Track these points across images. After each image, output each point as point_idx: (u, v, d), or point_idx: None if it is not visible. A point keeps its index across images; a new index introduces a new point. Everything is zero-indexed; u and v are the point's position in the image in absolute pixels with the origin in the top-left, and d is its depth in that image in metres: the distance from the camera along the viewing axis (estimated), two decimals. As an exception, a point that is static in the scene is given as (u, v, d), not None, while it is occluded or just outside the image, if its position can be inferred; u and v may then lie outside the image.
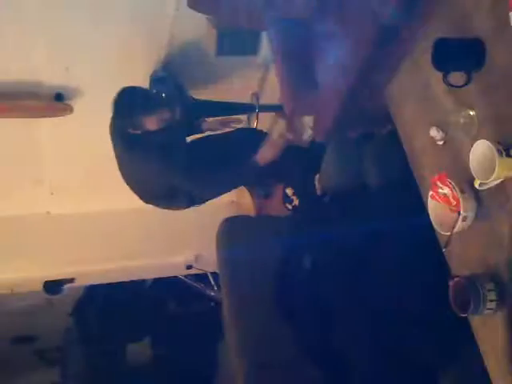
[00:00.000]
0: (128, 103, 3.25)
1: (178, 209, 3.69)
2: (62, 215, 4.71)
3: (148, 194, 3.56)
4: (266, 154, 3.28)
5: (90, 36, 3.69)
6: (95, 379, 6.64)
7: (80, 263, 5.22)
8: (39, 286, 5.33)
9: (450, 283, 1.82)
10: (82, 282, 5.91)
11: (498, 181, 1.66)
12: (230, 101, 4.20)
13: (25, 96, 3.83)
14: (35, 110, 3.90)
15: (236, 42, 3.82)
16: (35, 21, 3.51)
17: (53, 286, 5.45)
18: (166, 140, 3.27)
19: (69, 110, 3.92)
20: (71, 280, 5.52)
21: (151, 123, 3.24)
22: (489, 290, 1.74)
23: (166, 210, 3.73)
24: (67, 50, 3.72)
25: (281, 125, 3.72)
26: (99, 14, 3.61)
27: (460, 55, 1.75)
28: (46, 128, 4.11)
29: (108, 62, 3.84)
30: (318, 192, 3.54)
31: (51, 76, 3.85)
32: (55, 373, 6.94)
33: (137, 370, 7.02)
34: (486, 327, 1.84)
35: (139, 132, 3.26)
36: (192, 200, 3.58)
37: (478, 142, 1.65)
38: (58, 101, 3.93)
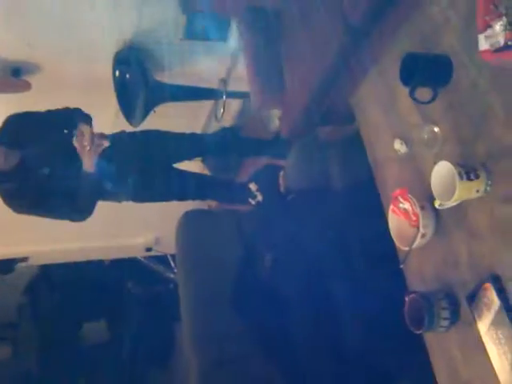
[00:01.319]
0: None
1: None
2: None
3: None
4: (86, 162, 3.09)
5: (55, 13, 3.55)
6: (48, 357, 6.58)
7: (33, 242, 5.15)
8: (-9, 265, 5.28)
9: (406, 299, 1.82)
10: (36, 261, 5.84)
11: (458, 202, 1.65)
12: (196, 86, 4.13)
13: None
14: (-9, 84, 3.78)
15: (205, 26, 3.73)
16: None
17: (5, 264, 5.39)
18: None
19: (26, 86, 3.78)
20: (24, 259, 5.45)
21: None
22: (443, 308, 1.74)
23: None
24: (29, 25, 3.57)
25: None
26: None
27: (427, 71, 1.73)
28: (1, 104, 3.96)
29: (71, 41, 3.70)
30: (282, 189, 3.52)
31: (10, 50, 3.70)
32: (8, 348, 6.85)
33: (93, 349, 6.98)
34: (439, 344, 1.85)
35: None
36: None
37: (440, 163, 1.65)
38: (15, 76, 3.80)
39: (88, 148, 3.03)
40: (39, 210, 3.16)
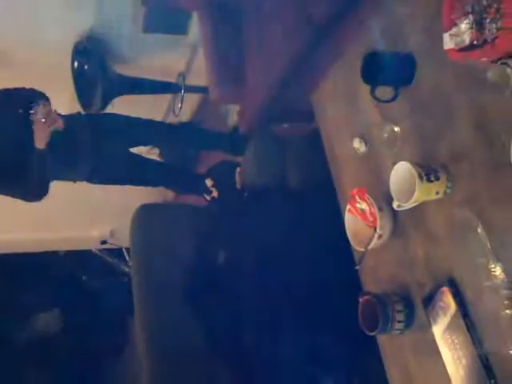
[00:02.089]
0: None
1: None
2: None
3: None
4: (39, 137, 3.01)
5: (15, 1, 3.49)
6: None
7: None
8: None
9: (360, 300, 1.79)
10: None
11: (416, 203, 1.62)
12: (155, 79, 4.07)
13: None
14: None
15: (165, 20, 3.69)
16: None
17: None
18: None
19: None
20: (-22, 248, 5.35)
21: None
22: (398, 311, 1.71)
23: (84, 184, 3.54)
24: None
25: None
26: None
27: (389, 70, 1.70)
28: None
29: (30, 28, 3.62)
30: (238, 186, 3.48)
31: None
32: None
33: (47, 339, 6.89)
34: (392, 347, 1.83)
35: None
36: None
37: (400, 163, 1.61)
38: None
39: (44, 122, 2.95)
40: None
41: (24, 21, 3.59)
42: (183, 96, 4.17)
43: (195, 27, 3.71)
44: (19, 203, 4.78)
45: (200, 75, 3.76)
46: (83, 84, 3.89)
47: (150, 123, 3.71)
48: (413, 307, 1.72)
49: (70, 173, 3.37)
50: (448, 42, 1.47)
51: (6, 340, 6.48)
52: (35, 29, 3.64)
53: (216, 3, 3.02)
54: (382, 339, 1.87)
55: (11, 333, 6.56)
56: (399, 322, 1.72)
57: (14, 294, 6.43)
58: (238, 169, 3.53)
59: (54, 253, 6.43)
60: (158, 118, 4.65)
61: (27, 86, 3.18)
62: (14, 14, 3.54)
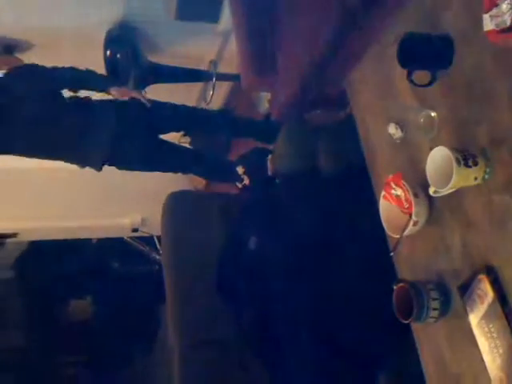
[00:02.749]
0: None
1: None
2: (7, 170, 4.55)
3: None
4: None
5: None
6: (33, 330, 6.59)
7: (23, 219, 5.22)
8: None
9: (395, 287, 1.77)
10: (25, 237, 5.92)
11: (454, 189, 1.59)
12: (187, 67, 4.08)
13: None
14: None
15: (197, 7, 3.68)
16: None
17: (-6, 239, 5.41)
18: None
19: (18, 63, 3.72)
20: (13, 235, 5.51)
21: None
22: (433, 299, 1.69)
23: (116, 172, 3.57)
24: (21, 2, 3.56)
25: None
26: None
27: (427, 54, 1.67)
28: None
29: (61, 19, 3.66)
30: (270, 173, 3.47)
31: (1, 28, 3.66)
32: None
33: (77, 326, 6.99)
34: (427, 333, 1.80)
35: None
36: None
37: (437, 148, 1.58)
38: (7, 53, 3.77)
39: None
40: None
41: (56, 12, 3.63)
42: (214, 84, 4.16)
43: (226, 15, 3.71)
44: (54, 191, 4.90)
45: (231, 63, 3.77)
46: (116, 73, 3.90)
47: (184, 108, 3.72)
48: (448, 295, 1.69)
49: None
50: (488, 24, 1.43)
51: (41, 326, 6.61)
52: (68, 20, 3.68)
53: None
54: (417, 327, 1.84)
55: (45, 319, 6.66)
56: (434, 309, 1.69)
57: (48, 280, 6.55)
58: (270, 156, 3.52)
59: (88, 240, 6.55)
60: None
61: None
62: (45, 5, 3.58)
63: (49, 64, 3.25)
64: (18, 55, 3.78)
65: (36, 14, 3.60)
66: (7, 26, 3.67)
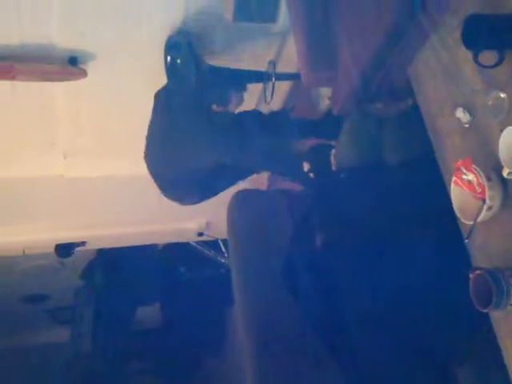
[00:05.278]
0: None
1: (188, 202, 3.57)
2: (75, 179, 4.67)
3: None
4: None
5: (106, 3, 3.58)
6: (105, 339, 6.70)
7: (91, 227, 5.31)
8: (51, 248, 5.39)
9: (471, 275, 1.73)
10: (94, 245, 5.99)
11: (529, 170, 1.55)
12: (246, 68, 4.09)
13: (38, 60, 3.74)
14: (49, 74, 3.82)
15: (254, 8, 3.69)
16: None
17: (64, 248, 5.52)
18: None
19: (83, 74, 3.84)
20: (82, 243, 5.59)
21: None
22: (512, 285, 1.65)
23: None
24: (82, 13, 3.61)
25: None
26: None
27: (493, 33, 1.63)
28: (59, 92, 4.01)
29: (123, 27, 3.72)
30: (334, 168, 3.45)
31: (65, 40, 3.74)
32: (67, 332, 6.99)
33: (146, 333, 7.08)
34: (508, 322, 1.75)
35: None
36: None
37: (508, 128, 1.55)
38: (71, 65, 3.84)
39: None
40: None
41: (115, 22, 3.69)
42: (274, 84, 4.16)
43: (283, 14, 3.71)
44: (120, 198, 4.99)
45: (289, 63, 3.76)
46: (177, 78, 3.94)
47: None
48: (528, 280, 1.65)
49: None
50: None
51: (110, 334, 6.71)
52: (127, 29, 3.74)
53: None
54: (497, 316, 1.80)
55: (114, 327, 6.76)
56: (514, 296, 1.65)
57: (116, 287, 6.66)
58: (333, 151, 3.50)
59: (153, 246, 6.62)
60: (250, 108, 4.69)
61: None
62: (106, 17, 3.64)
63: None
64: (82, 66, 3.86)
65: (96, 24, 3.66)
66: (70, 38, 3.73)
